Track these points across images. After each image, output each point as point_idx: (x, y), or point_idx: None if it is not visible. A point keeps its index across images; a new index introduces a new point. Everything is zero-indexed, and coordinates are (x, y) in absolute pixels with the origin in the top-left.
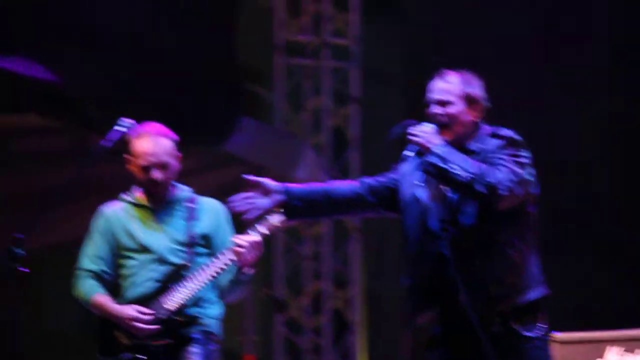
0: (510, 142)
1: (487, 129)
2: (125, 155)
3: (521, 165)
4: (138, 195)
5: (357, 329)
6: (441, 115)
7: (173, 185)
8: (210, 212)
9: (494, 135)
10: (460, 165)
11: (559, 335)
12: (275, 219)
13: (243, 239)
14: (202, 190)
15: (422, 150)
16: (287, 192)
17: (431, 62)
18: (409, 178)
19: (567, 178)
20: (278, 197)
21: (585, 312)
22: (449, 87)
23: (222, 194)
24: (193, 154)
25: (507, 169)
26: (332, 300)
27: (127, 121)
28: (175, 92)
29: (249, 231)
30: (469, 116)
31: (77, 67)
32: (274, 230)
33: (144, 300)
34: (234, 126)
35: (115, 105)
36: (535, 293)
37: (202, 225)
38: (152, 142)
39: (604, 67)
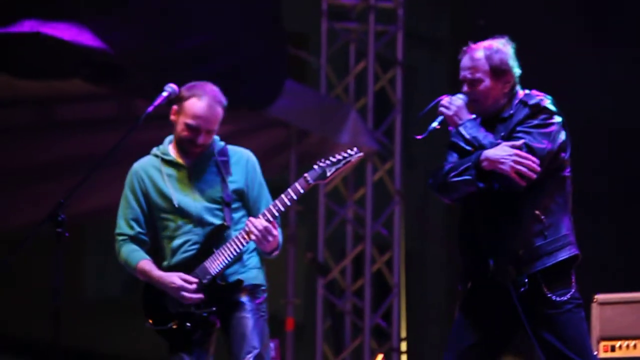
0: (537, 111)
1: (520, 94)
2: (174, 106)
3: (546, 135)
4: (171, 149)
5: (398, 292)
6: (470, 93)
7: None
8: (241, 164)
9: (523, 103)
10: (482, 144)
11: (600, 297)
12: (310, 178)
13: (254, 225)
14: None
15: (450, 124)
16: None
17: (477, 26)
18: None
19: (619, 144)
20: None
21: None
22: (475, 64)
23: (265, 158)
24: (238, 117)
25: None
26: (373, 263)
27: (173, 86)
28: (220, 57)
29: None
30: (498, 89)
31: (123, 33)
32: (308, 189)
33: (188, 264)
34: (278, 90)
35: (161, 70)
36: (564, 253)
37: (235, 180)
38: (208, 107)
39: None
